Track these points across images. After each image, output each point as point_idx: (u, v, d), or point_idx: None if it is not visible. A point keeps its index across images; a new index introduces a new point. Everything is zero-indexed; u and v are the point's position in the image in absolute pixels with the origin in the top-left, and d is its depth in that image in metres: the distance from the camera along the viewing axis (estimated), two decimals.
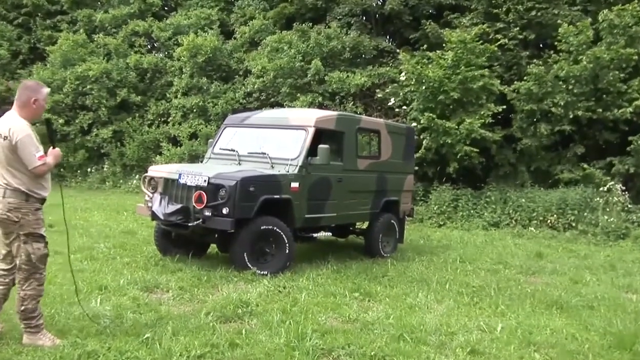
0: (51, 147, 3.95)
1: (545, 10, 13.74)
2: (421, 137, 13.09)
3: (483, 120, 12.68)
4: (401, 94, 14.36)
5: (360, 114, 14.58)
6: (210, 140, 8.56)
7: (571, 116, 12.39)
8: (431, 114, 12.84)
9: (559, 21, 13.26)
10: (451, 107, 13.22)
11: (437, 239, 10.74)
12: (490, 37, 13.66)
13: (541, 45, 14.62)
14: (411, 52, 14.63)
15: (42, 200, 3.94)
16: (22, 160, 3.78)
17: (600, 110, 12.28)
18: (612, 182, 11.81)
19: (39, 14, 22.79)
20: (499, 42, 13.41)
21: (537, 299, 5.99)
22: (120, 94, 19.61)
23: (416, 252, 8.96)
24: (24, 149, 3.76)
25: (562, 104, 12.44)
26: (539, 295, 6.16)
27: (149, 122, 19.90)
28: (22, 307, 3.89)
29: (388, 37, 17.80)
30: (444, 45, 13.61)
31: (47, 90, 3.98)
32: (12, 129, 3.77)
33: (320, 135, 7.70)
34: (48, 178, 3.96)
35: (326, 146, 7.03)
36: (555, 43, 13.14)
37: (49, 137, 4.11)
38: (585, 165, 12.34)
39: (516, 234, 11.50)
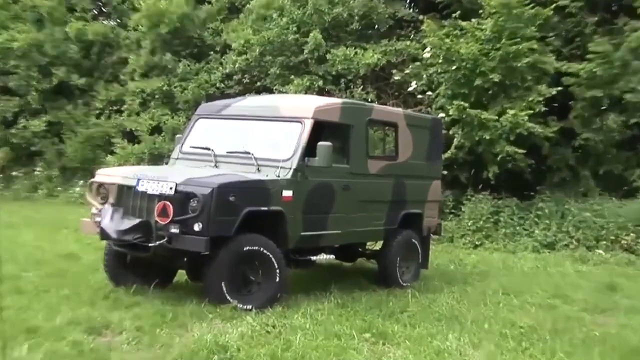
0: None
1: None
2: (450, 132, 13.21)
3: (532, 110, 12.68)
4: (425, 75, 14.50)
5: (372, 101, 14.71)
6: (178, 135, 8.65)
7: None
8: (463, 102, 12.94)
9: None
10: (490, 92, 13.32)
11: (472, 263, 10.82)
12: None
13: (614, 8, 14.13)
14: (438, 21, 14.67)
15: None
16: None
17: None
18: None
19: None
20: (555, 4, 13.16)
21: (609, 346, 5.91)
22: (57, 74, 19.50)
23: (445, 280, 9.06)
24: None
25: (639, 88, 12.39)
26: (612, 341, 6.10)
27: (96, 111, 20.02)
28: None
29: (409, 1, 17.86)
30: (480, 11, 13.65)
31: None
32: None
33: (321, 129, 7.82)
34: None
35: (328, 143, 7.15)
36: (636, 4, 12.80)
37: None
38: None
39: (578, 258, 11.48)
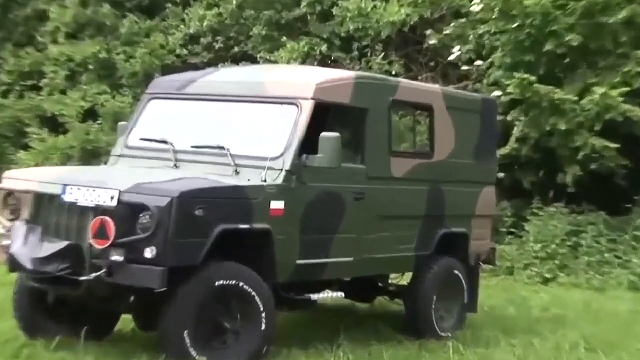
0: None
1: None
2: (509, 117, 13.31)
3: (629, 86, 12.67)
4: (473, 37, 14.59)
5: (397, 75, 14.68)
6: (121, 123, 8.71)
7: None
8: (527, 75, 12.96)
9: None
10: (566, 61, 13.40)
11: (540, 305, 10.83)
12: None
13: None
14: None
15: None
16: None
17: None
18: None
19: None
20: None
21: None
22: None
23: (501, 329, 9.09)
24: None
25: None
26: None
27: (3, 87, 20.11)
28: None
29: None
30: None
31: None
32: None
33: (324, 114, 7.91)
34: None
35: (335, 135, 7.21)
36: None
37: None
38: None
39: None
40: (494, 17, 13.63)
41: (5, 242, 6.78)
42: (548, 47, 13.05)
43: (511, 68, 13.36)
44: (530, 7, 12.98)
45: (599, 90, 12.51)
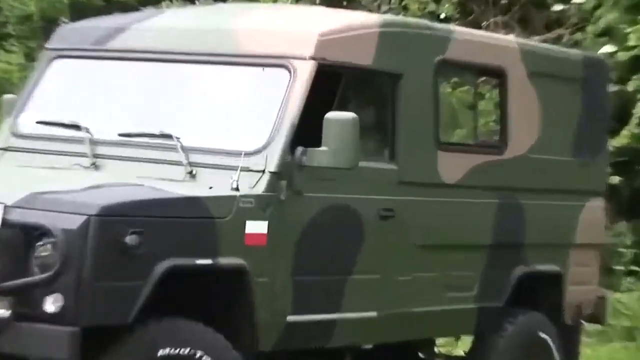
0: None
1: None
2: (629, 87, 13.46)
3: None
4: None
5: (448, 20, 15.02)
6: (7, 97, 8.96)
7: None
8: None
9: None
10: None
11: None
12: None
13: None
14: None
15: None
16: None
17: None
18: None
19: None
20: None
21: None
22: None
23: None
24: None
25: None
26: None
27: None
28: None
29: None
30: None
31: None
32: None
33: (332, 84, 8.16)
34: None
35: (348, 116, 7.30)
36: None
37: None
38: None
39: None
40: None
41: None
42: None
43: (631, 8, 13.33)
44: None
45: None
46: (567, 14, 14.80)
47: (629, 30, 13.00)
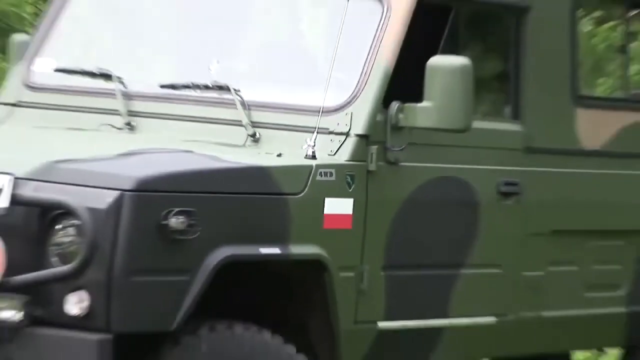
0: None
1: None
2: None
3: None
4: None
5: None
6: (18, 37, 7.38)
7: None
8: None
9: None
10: None
11: None
12: None
13: None
14: None
15: None
16: None
17: None
18: None
19: None
20: None
21: None
22: None
23: None
24: None
25: None
26: None
27: None
28: None
29: None
30: None
31: None
32: None
33: (439, 18, 6.33)
34: None
35: (459, 62, 5.65)
36: None
37: None
38: None
39: None
40: None
41: None
42: None
43: None
44: None
45: None
46: None
47: None
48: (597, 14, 8.18)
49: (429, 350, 6.14)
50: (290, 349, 5.27)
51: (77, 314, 4.66)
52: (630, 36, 7.74)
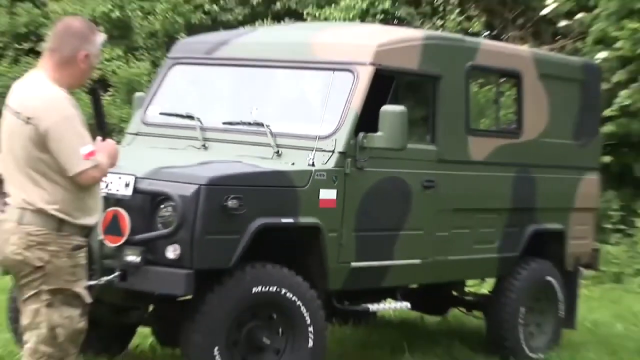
0: (99, 137, 4.77)
1: None
2: (614, 80, 13.11)
3: None
4: None
5: (477, 35, 14.78)
6: (137, 94, 8.90)
7: None
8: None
9: None
10: None
11: None
12: None
13: None
14: None
15: (84, 232, 4.76)
16: (57, 161, 4.53)
17: None
18: None
19: None
20: None
21: None
22: None
23: (607, 350, 9.13)
24: (62, 140, 4.50)
25: None
26: None
27: None
28: None
29: None
30: None
31: (103, 37, 4.91)
32: (41, 106, 4.50)
33: (387, 84, 7.93)
34: (96, 194, 4.83)
35: (399, 109, 7.22)
36: None
37: (95, 119, 4.96)
38: None
39: None
40: None
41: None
42: None
43: (618, 20, 13.15)
44: None
45: None
46: (570, 28, 14.58)
47: (615, 33, 12.79)
48: (480, 80, 9.55)
49: (380, 279, 7.67)
50: (299, 278, 6.80)
51: (172, 258, 6.30)
52: (499, 94, 9.36)
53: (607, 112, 12.80)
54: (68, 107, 4.53)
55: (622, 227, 13.56)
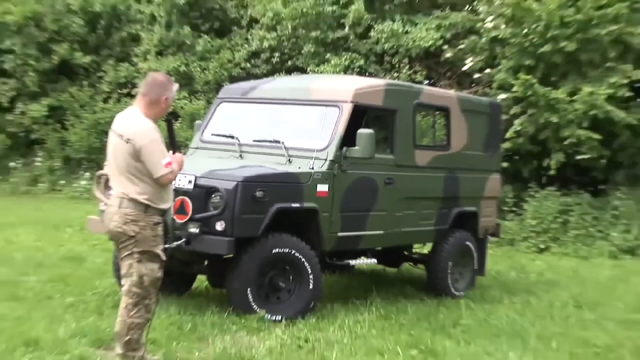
0: (171, 152, 4.97)
1: None
2: (511, 113, 13.02)
3: (612, 92, 12.34)
4: (483, 48, 14.23)
5: (420, 82, 14.63)
6: (197, 122, 8.77)
7: None
8: (530, 77, 12.66)
9: None
10: (560, 68, 13.13)
11: (536, 270, 10.74)
12: None
13: None
14: None
15: (162, 213, 4.95)
16: (146, 168, 4.76)
17: None
18: None
19: None
20: None
21: None
22: (58, 52, 19.36)
23: (505, 289, 9.07)
24: (150, 155, 4.74)
25: None
26: None
27: (104, 94, 19.98)
28: (127, 337, 4.83)
29: None
30: None
31: (177, 86, 5.16)
32: (137, 132, 4.74)
33: (361, 114, 7.99)
34: (170, 188, 5.02)
35: (369, 131, 7.21)
36: None
37: (169, 140, 5.08)
38: None
39: None
40: (506, 26, 13.37)
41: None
42: (545, 49, 12.68)
43: (515, 72, 13.11)
44: (539, 11, 12.56)
45: (587, 90, 12.29)
46: (481, 79, 14.63)
47: (512, 82, 12.88)
48: (423, 113, 9.55)
49: (357, 243, 7.59)
50: (303, 243, 6.83)
51: (220, 230, 6.39)
52: (435, 122, 9.45)
53: (507, 135, 12.76)
54: (154, 133, 4.75)
55: (514, 209, 13.57)
